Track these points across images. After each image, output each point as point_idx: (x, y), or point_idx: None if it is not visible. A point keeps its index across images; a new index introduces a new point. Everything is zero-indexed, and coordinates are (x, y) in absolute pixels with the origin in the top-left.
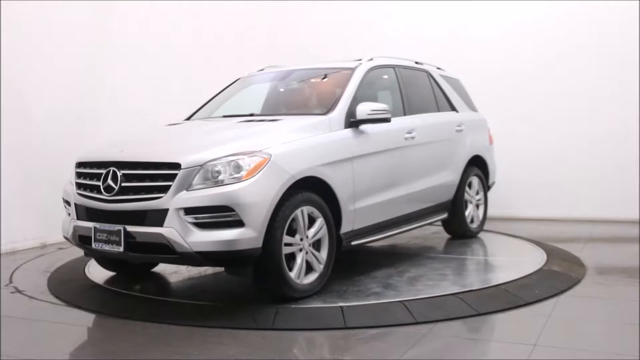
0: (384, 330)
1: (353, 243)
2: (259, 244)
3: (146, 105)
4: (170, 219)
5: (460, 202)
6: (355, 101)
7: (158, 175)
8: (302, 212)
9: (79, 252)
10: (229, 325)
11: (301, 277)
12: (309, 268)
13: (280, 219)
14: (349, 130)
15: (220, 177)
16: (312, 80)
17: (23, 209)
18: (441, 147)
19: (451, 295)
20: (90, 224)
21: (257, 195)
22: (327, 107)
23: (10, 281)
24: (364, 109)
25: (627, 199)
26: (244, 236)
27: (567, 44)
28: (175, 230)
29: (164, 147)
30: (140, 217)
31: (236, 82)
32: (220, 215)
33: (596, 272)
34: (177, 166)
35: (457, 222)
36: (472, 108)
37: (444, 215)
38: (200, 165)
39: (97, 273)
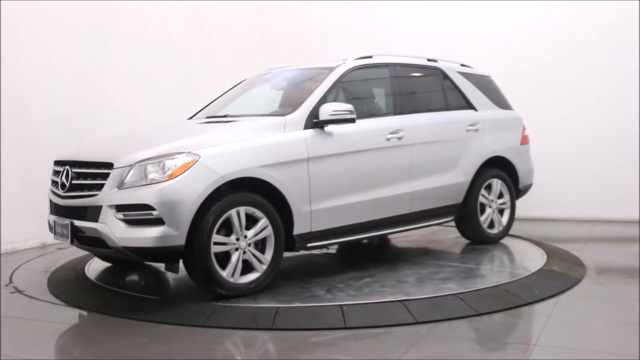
0: (384, 330)
1: (309, 245)
2: (182, 242)
3: (146, 105)
4: (103, 215)
5: (473, 206)
6: (325, 101)
7: (97, 173)
8: (237, 212)
9: (78, 252)
10: (229, 325)
11: (236, 276)
12: (250, 268)
13: (208, 218)
14: (308, 131)
15: (150, 177)
16: (303, 80)
17: (23, 209)
18: (443, 148)
19: (451, 295)
20: (53, 218)
21: (178, 195)
22: (293, 108)
23: (10, 281)
24: (326, 110)
25: (627, 199)
26: (165, 234)
27: (566, 43)
28: (107, 226)
29: (113, 147)
30: (83, 213)
31: (241, 83)
32: (144, 213)
33: (596, 272)
34: (110, 165)
35: (471, 227)
36: (502, 106)
37: (450, 219)
38: (131, 165)
39: (97, 273)
